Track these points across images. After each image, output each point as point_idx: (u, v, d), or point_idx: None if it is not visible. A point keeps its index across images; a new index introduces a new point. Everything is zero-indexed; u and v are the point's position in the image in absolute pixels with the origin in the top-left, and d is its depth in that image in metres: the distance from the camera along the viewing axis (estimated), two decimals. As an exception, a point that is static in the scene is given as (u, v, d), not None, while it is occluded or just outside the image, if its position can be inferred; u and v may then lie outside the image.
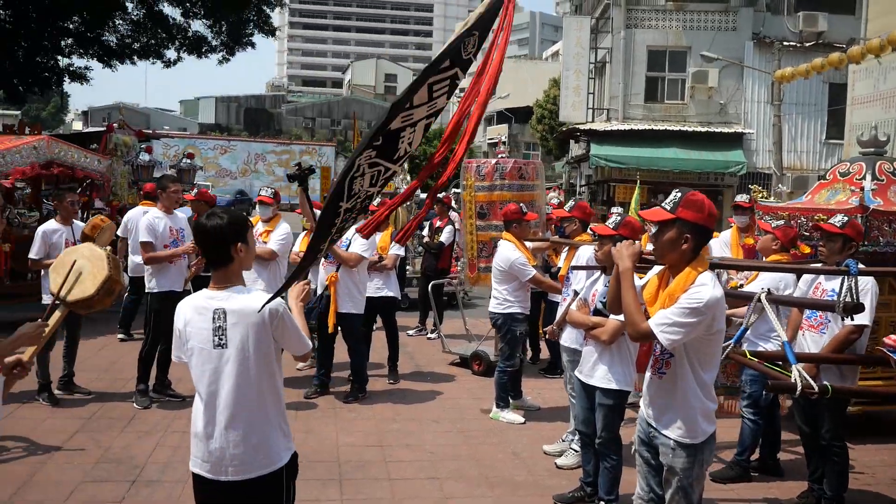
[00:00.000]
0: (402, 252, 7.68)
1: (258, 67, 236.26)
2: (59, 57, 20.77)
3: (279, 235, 7.16)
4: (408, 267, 12.40)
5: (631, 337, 3.33)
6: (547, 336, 5.90)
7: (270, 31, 22.18)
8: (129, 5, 20.45)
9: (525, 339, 6.49)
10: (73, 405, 6.46)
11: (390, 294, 7.58)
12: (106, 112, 71.01)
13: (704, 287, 2.97)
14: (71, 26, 19.70)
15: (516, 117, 49.10)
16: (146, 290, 6.57)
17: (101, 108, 73.22)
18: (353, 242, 6.68)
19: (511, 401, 6.63)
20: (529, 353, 8.48)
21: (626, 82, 22.24)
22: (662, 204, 3.13)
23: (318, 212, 6.86)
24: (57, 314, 3.27)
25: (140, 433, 5.81)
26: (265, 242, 7.12)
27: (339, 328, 6.84)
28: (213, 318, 2.78)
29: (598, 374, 4.53)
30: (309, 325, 6.62)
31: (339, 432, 6.02)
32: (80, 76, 21.22)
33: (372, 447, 5.71)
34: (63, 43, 20.13)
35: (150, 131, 26.38)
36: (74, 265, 3.37)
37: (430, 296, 8.91)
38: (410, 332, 10.02)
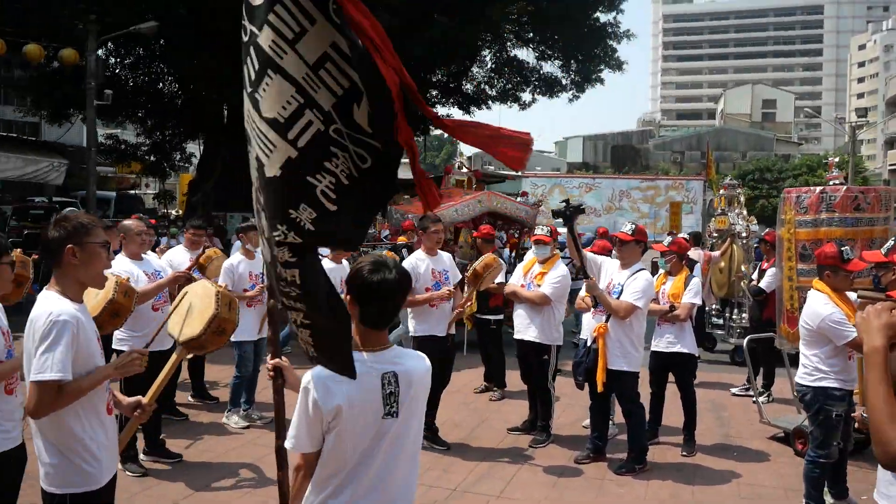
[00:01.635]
0: (698, 301, 6.49)
1: (631, 104, 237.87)
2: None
3: (554, 278, 6.54)
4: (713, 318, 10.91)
5: (879, 459, 2.03)
6: None
7: (618, 66, 21.74)
8: (486, 53, 21.68)
9: (842, 422, 4.92)
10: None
11: (684, 350, 6.43)
12: (488, 156, 76.91)
13: None
14: (435, 79, 21.46)
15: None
16: (410, 334, 6.43)
17: (484, 152, 79.45)
18: (626, 288, 5.77)
19: (827, 502, 5.07)
20: None
21: None
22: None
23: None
24: (174, 355, 3.12)
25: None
26: (538, 286, 6.56)
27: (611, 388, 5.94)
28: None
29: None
30: (576, 382, 5.96)
31: (595, 511, 5.14)
32: (443, 124, 23.02)
33: (625, 537, 4.74)
34: (428, 94, 22.02)
35: (508, 172, 27.55)
36: (189, 305, 3.20)
37: (746, 351, 7.45)
38: (735, 389, 8.59)
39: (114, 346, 5.51)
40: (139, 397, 3.04)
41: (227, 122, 19.40)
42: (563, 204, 5.91)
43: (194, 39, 16.00)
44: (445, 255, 6.55)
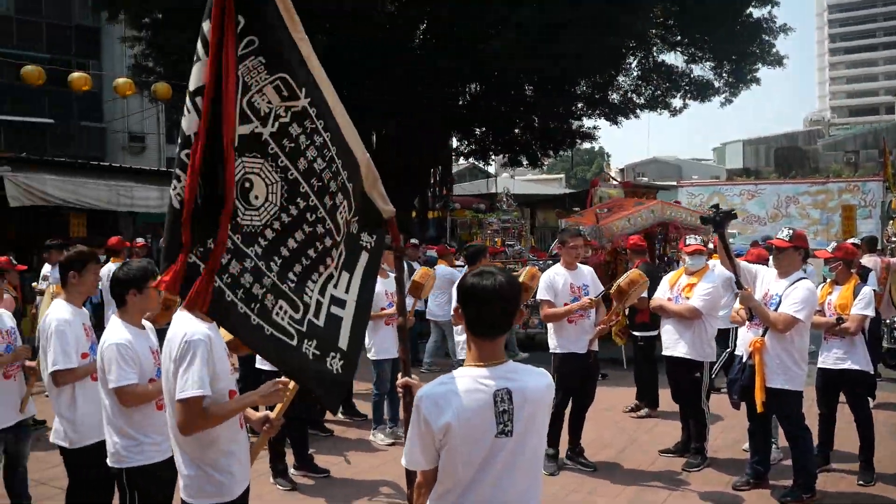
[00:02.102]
0: (870, 312, 5.83)
1: (795, 103, 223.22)
2: (571, 120, 22.46)
3: (704, 289, 6.14)
4: None
5: None
6: None
7: (777, 62, 20.41)
8: (631, 61, 21.09)
9: None
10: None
11: (856, 367, 5.80)
12: (642, 167, 75.15)
13: None
14: (580, 91, 21.12)
15: None
16: (551, 350, 6.23)
17: (637, 163, 77.77)
18: (785, 299, 5.29)
19: None
20: None
21: None
22: None
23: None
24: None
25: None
26: (687, 298, 6.19)
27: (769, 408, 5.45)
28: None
29: None
30: (731, 401, 5.53)
31: (754, 544, 4.71)
32: (588, 136, 22.64)
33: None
34: (573, 107, 21.69)
35: (662, 183, 26.69)
36: None
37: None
38: None
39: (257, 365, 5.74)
40: (267, 412, 3.15)
41: (375, 149, 20.04)
42: (713, 210, 5.54)
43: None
44: (586, 269, 6.32)
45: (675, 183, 38.35)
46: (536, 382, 2.37)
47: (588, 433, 6.71)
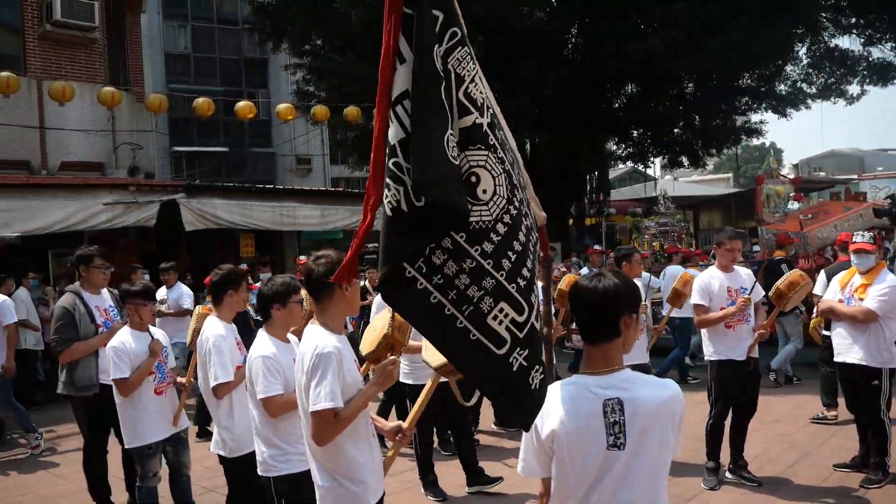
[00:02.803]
0: None
1: None
2: (735, 116, 21.31)
3: (880, 290, 5.64)
4: None
5: None
6: None
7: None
8: (800, 48, 19.75)
9: None
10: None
11: None
12: (818, 161, 70.04)
13: None
14: (744, 85, 20.02)
15: None
16: (706, 358, 5.94)
17: (813, 157, 72.55)
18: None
19: None
20: None
21: None
22: None
23: None
24: (429, 381, 3.17)
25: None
26: (860, 300, 5.71)
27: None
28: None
29: None
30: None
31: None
32: (754, 131, 21.37)
33: None
34: (737, 102, 20.58)
35: (838, 177, 24.81)
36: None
37: None
38: None
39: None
40: (399, 422, 3.17)
41: (530, 157, 20.03)
42: (889, 200, 5.08)
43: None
44: (744, 272, 5.97)
45: (855, 176, 35.26)
46: (654, 394, 2.23)
47: (753, 447, 6.34)
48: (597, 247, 13.29)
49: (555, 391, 2.27)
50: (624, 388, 2.21)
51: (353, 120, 16.26)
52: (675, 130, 21.21)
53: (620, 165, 32.20)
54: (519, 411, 2.45)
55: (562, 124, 16.70)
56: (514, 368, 2.43)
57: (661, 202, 13.58)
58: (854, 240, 6.04)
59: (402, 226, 2.27)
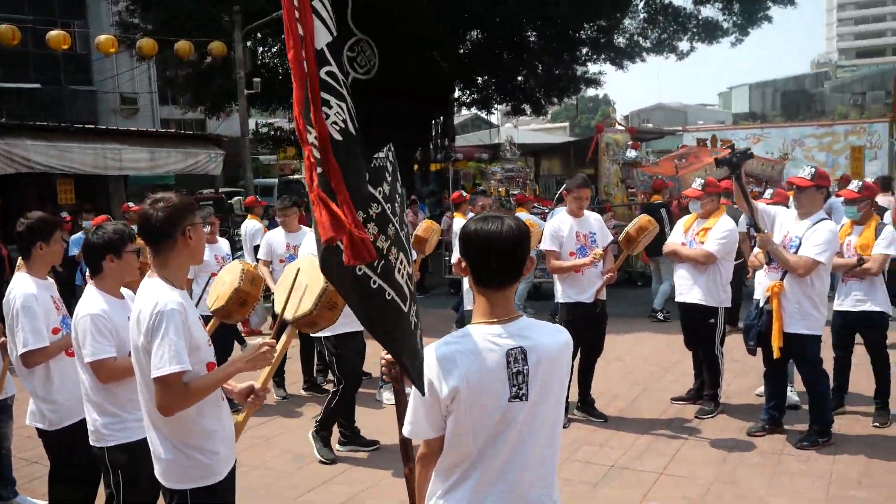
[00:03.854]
0: (893, 252, 5.64)
1: (802, 46, 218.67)
2: (576, 66, 21.96)
3: (719, 233, 5.95)
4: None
5: None
6: None
7: (789, 1, 19.82)
8: (638, 3, 20.51)
9: None
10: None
11: (875, 308, 5.63)
12: (647, 113, 74.16)
13: None
14: (584, 36, 20.59)
15: None
16: (557, 300, 6.06)
17: (642, 109, 76.76)
18: (806, 241, 5.08)
19: None
20: None
21: None
22: None
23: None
24: (284, 336, 2.94)
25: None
26: (701, 242, 5.99)
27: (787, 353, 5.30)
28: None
29: None
30: (747, 347, 5.38)
31: (771, 491, 4.59)
32: (593, 82, 22.17)
33: (810, 522, 4.18)
34: (578, 53, 21.18)
35: (667, 128, 26.31)
36: (296, 280, 3.01)
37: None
38: None
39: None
40: (251, 383, 2.89)
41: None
42: (729, 150, 5.30)
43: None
44: (593, 217, 6.10)
45: (680, 129, 37.72)
46: (553, 340, 2.11)
47: (598, 384, 6.59)
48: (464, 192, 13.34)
49: (456, 343, 2.08)
50: (525, 336, 2.06)
51: (184, 55, 15.12)
52: (519, 79, 21.55)
53: (464, 112, 32.47)
54: (416, 374, 2.26)
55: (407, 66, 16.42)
56: (412, 325, 2.31)
57: (508, 148, 13.68)
58: (692, 186, 6.32)
59: (356, 149, 2.02)
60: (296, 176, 34.01)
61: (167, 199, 2.70)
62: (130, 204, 12.22)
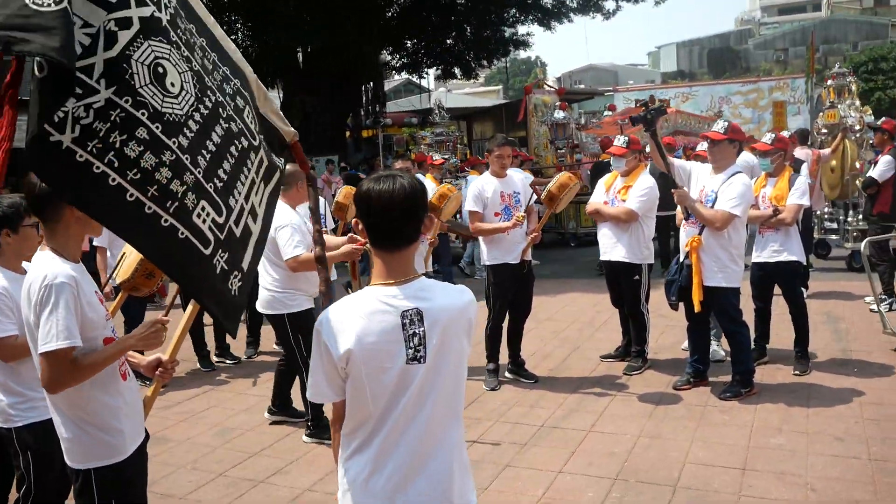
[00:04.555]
0: (805, 202, 5.76)
1: (727, 4, 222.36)
2: (504, 28, 21.82)
3: (640, 191, 5.97)
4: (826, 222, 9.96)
5: None
6: None
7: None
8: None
9: None
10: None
11: (792, 258, 5.76)
12: (579, 74, 74.51)
13: None
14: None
15: None
16: (483, 263, 6.03)
17: (574, 70, 77.12)
18: (721, 195, 5.14)
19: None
20: None
21: None
22: None
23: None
24: (189, 307, 2.85)
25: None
26: (623, 201, 6.01)
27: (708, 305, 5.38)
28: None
29: None
30: (669, 302, 5.44)
31: (694, 442, 4.68)
32: (522, 43, 22.08)
33: (730, 470, 4.26)
34: (505, 14, 21.02)
35: (597, 89, 26.43)
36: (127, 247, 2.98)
37: (863, 256, 6.64)
38: (868, 299, 7.60)
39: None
40: (159, 355, 2.77)
41: (303, 67, 19.22)
42: (643, 107, 5.29)
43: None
44: (517, 177, 6.06)
45: (610, 89, 38.01)
46: (452, 300, 2.06)
47: (530, 345, 6.62)
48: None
49: (348, 305, 2.01)
50: (422, 298, 2.00)
51: None
52: (448, 41, 21.32)
53: (396, 77, 32.04)
54: (228, 320, 2.58)
55: (334, 31, 16.06)
56: (217, 271, 2.46)
57: (437, 112, 13.56)
58: (615, 143, 6.31)
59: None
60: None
61: None
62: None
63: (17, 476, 3.14)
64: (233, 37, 19.97)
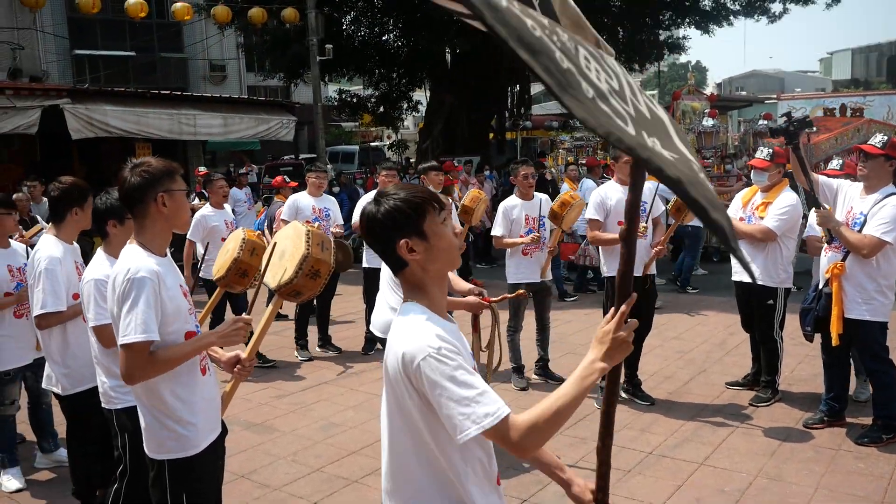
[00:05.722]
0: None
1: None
2: (659, 31, 21.04)
3: (779, 208, 5.49)
4: None
5: None
6: None
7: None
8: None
9: None
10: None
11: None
12: (741, 80, 70.96)
13: None
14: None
15: None
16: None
17: (736, 77, 73.53)
18: (872, 219, 4.62)
19: None
20: None
21: None
22: None
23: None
24: (270, 306, 2.82)
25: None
26: (761, 218, 5.56)
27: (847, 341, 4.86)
28: None
29: None
30: (804, 332, 4.98)
31: (819, 490, 4.22)
32: (677, 47, 21.19)
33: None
34: (661, 16, 20.26)
35: (757, 96, 24.97)
36: (275, 247, 2.89)
37: None
38: None
39: None
40: (238, 352, 2.81)
41: (451, 68, 19.41)
42: (784, 118, 4.86)
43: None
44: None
45: (773, 97, 35.86)
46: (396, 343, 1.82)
47: (652, 364, 6.30)
48: (456, 161, 13.15)
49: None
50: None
51: (257, 22, 15.21)
52: (599, 44, 20.79)
53: (545, 80, 31.59)
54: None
55: (481, 33, 16.09)
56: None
57: (578, 117, 13.24)
58: (757, 155, 5.85)
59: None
60: (375, 143, 34.23)
61: (145, 165, 2.64)
62: (202, 169, 12.47)
63: (116, 456, 3.29)
64: (385, 38, 20.55)
